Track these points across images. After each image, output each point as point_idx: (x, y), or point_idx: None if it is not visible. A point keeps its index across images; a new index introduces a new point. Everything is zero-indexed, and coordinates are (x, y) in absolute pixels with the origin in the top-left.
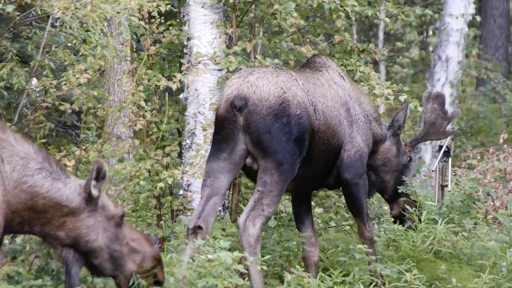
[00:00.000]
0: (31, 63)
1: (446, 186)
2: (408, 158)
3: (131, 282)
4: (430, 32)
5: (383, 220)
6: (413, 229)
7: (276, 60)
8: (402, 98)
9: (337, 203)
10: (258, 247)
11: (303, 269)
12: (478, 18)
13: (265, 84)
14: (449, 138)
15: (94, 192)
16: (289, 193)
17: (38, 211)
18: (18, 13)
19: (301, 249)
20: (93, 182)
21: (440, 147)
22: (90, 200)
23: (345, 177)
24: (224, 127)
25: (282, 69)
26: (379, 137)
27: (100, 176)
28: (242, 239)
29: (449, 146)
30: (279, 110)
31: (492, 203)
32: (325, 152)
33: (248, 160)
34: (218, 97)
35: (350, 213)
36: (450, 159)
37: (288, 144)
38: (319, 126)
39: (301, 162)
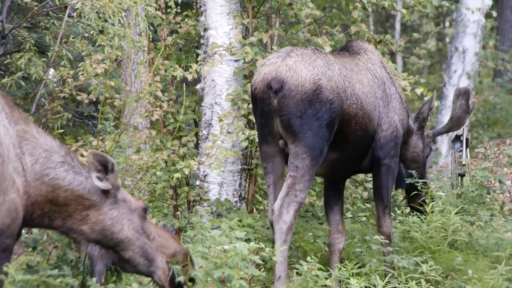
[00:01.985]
0: (48, 53)
1: (464, 175)
2: (430, 150)
3: (171, 277)
4: (447, 23)
5: (401, 210)
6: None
7: None
8: (419, 91)
9: (353, 194)
10: (289, 236)
11: (317, 260)
12: (494, 13)
13: (303, 69)
14: (466, 128)
15: (101, 184)
16: (323, 178)
17: (60, 204)
18: (35, 3)
19: (317, 240)
20: (94, 174)
21: (457, 136)
22: (108, 193)
23: (378, 155)
24: (262, 110)
25: (321, 51)
26: (408, 127)
27: (108, 169)
28: (276, 225)
29: (468, 137)
30: (314, 96)
31: (509, 194)
32: (362, 137)
33: (281, 142)
34: (253, 77)
35: (367, 204)
36: (468, 149)
37: (320, 130)
38: (356, 111)
39: (336, 147)
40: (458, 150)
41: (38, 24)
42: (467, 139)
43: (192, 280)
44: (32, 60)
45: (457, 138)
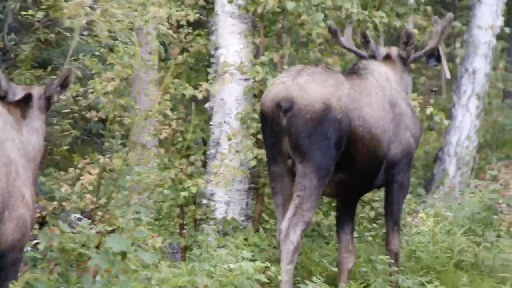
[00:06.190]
0: (58, 71)
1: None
2: (410, 71)
3: None
4: (458, 44)
5: (406, 231)
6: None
7: None
8: (428, 111)
9: (360, 214)
10: (296, 255)
11: (323, 280)
12: (507, 30)
13: (313, 88)
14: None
15: (56, 98)
16: (334, 198)
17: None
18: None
19: (322, 260)
20: (58, 89)
21: (432, 52)
22: (47, 107)
23: (391, 173)
24: (272, 129)
25: (332, 70)
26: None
27: (64, 83)
28: (282, 245)
29: (439, 51)
30: (323, 116)
31: None
32: (370, 159)
33: (290, 161)
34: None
35: (374, 224)
36: (443, 62)
37: (328, 150)
38: (363, 133)
39: (342, 167)
40: (433, 64)
41: (46, 40)
42: (439, 52)
43: None
44: (42, 77)
45: (431, 54)
